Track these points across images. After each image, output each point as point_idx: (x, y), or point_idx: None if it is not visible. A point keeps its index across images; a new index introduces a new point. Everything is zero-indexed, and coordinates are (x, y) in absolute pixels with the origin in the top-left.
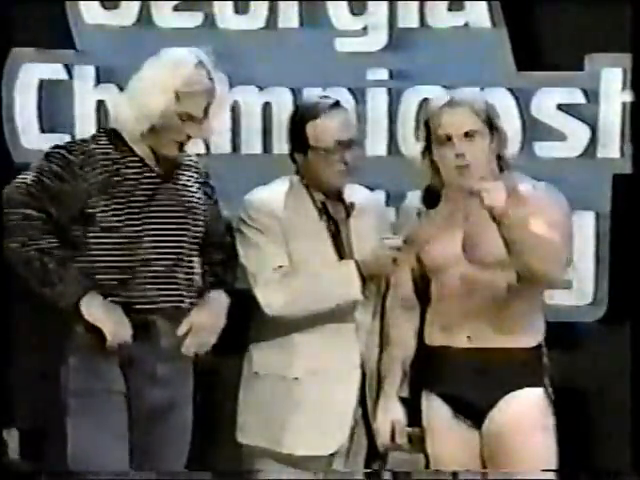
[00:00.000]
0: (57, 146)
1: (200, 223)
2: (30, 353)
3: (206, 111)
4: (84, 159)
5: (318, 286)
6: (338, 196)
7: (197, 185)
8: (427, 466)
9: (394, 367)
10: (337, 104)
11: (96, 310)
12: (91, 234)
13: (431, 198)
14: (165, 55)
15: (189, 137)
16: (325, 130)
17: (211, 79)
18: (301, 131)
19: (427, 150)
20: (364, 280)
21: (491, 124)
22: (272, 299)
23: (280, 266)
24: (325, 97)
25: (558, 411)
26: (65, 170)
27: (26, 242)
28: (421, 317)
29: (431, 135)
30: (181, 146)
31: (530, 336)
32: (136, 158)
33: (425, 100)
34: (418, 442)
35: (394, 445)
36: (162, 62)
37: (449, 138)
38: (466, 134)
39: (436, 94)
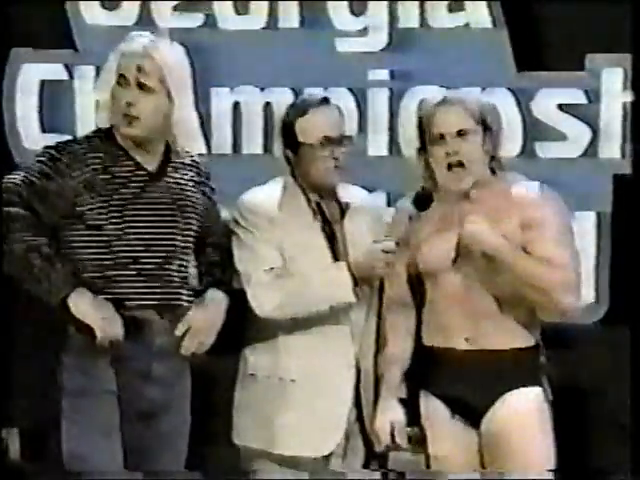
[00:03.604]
0: (47, 146)
1: (193, 221)
2: (30, 353)
3: (140, 73)
4: (71, 157)
5: (310, 288)
6: (333, 196)
7: (193, 183)
8: (427, 466)
9: (391, 367)
10: (325, 100)
11: (84, 306)
12: (79, 232)
13: (423, 201)
14: None
15: (129, 104)
16: (312, 126)
17: (152, 41)
18: (290, 129)
19: (422, 150)
20: (356, 282)
21: (485, 124)
22: (263, 301)
23: (272, 267)
24: (313, 95)
25: (558, 411)
26: (52, 168)
27: (12, 240)
28: (417, 318)
29: (425, 134)
30: (130, 120)
31: (527, 336)
32: (126, 156)
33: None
34: (418, 442)
35: (394, 445)
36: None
37: (442, 137)
38: (459, 133)
39: (433, 94)
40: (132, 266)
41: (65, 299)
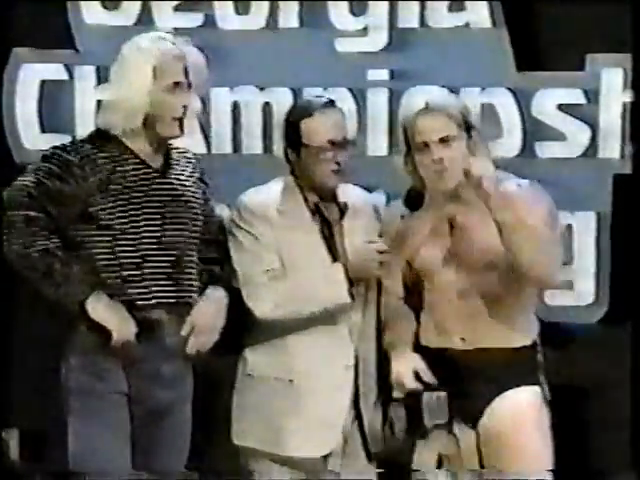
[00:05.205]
0: (55, 147)
1: (199, 218)
2: (30, 353)
3: (186, 75)
4: (82, 159)
5: (306, 290)
6: (332, 197)
7: (195, 180)
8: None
9: (399, 329)
10: (331, 103)
11: (102, 309)
12: (92, 233)
13: (413, 200)
14: (131, 46)
15: (185, 108)
16: (318, 128)
17: (174, 43)
18: (295, 129)
19: (408, 155)
20: (352, 283)
21: (468, 127)
22: (260, 302)
23: (269, 269)
24: (320, 97)
25: (558, 411)
26: (64, 171)
27: (29, 244)
28: (416, 319)
29: (409, 140)
30: (181, 123)
31: (524, 335)
32: (132, 155)
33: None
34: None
35: (426, 387)
36: (132, 54)
37: (426, 144)
38: (442, 140)
39: (411, 99)
40: (145, 266)
41: (83, 302)
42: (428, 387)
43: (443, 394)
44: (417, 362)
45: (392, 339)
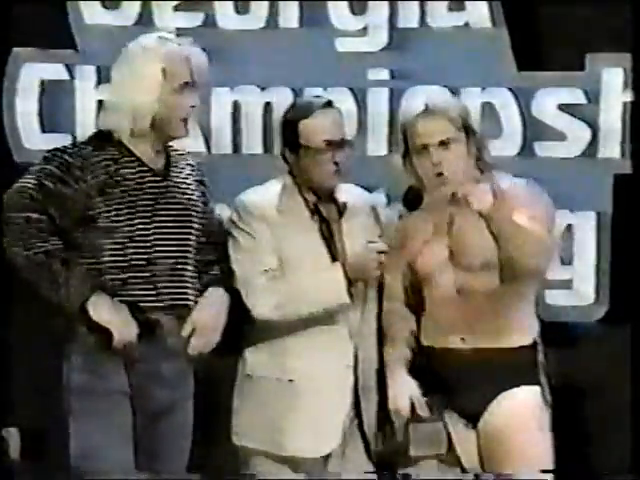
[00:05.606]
0: (56, 149)
1: (200, 220)
2: (31, 352)
3: (192, 75)
4: (83, 161)
5: (305, 290)
6: (330, 196)
7: (194, 182)
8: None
9: (398, 344)
10: (329, 104)
11: (103, 310)
12: (93, 235)
13: (412, 200)
14: (137, 48)
15: (192, 109)
16: (316, 129)
17: (179, 44)
18: (293, 130)
19: (406, 155)
20: (351, 283)
21: (467, 129)
22: (258, 302)
23: (268, 269)
24: (317, 97)
25: (558, 411)
26: (65, 173)
27: (30, 245)
28: (417, 320)
29: (409, 141)
30: (186, 123)
31: (524, 334)
32: (133, 157)
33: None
34: (437, 410)
35: (416, 418)
36: (139, 55)
37: (425, 147)
38: (441, 142)
39: (411, 99)
40: (146, 268)
41: (84, 303)
42: (419, 418)
43: (437, 425)
44: (413, 390)
45: (391, 353)
